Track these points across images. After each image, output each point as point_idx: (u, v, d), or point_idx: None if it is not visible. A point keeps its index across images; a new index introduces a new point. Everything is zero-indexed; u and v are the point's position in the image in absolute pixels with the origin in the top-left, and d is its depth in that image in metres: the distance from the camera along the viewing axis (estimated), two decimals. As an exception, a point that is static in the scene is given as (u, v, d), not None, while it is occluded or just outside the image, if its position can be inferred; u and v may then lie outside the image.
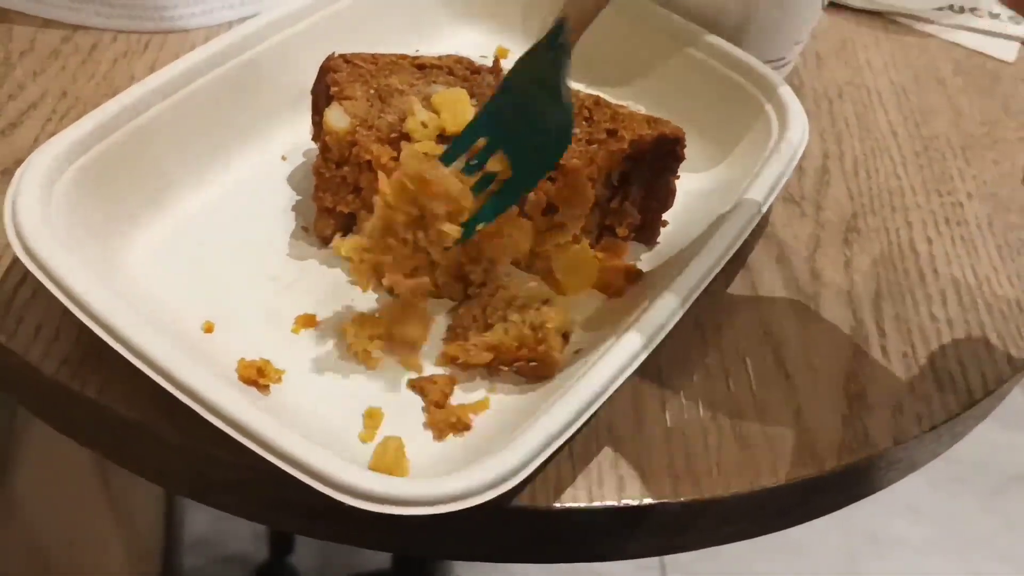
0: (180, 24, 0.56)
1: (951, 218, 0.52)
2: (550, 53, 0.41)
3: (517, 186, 0.41)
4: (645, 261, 0.47)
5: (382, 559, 1.19)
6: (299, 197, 0.47)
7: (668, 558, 1.34)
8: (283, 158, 0.49)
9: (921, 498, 1.44)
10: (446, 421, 0.38)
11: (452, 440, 0.38)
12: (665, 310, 0.39)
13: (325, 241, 0.45)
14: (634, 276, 0.45)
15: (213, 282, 0.43)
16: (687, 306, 0.40)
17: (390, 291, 0.43)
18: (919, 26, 0.66)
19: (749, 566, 1.34)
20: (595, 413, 0.37)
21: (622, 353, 0.38)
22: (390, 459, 0.36)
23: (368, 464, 0.36)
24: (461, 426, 0.38)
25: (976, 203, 0.53)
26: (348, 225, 0.45)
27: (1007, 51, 0.65)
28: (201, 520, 1.30)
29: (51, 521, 0.86)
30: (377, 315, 0.42)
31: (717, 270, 0.42)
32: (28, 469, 0.80)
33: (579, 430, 0.37)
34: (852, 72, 0.61)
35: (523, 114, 0.41)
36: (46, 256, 0.37)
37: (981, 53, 0.64)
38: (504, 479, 0.34)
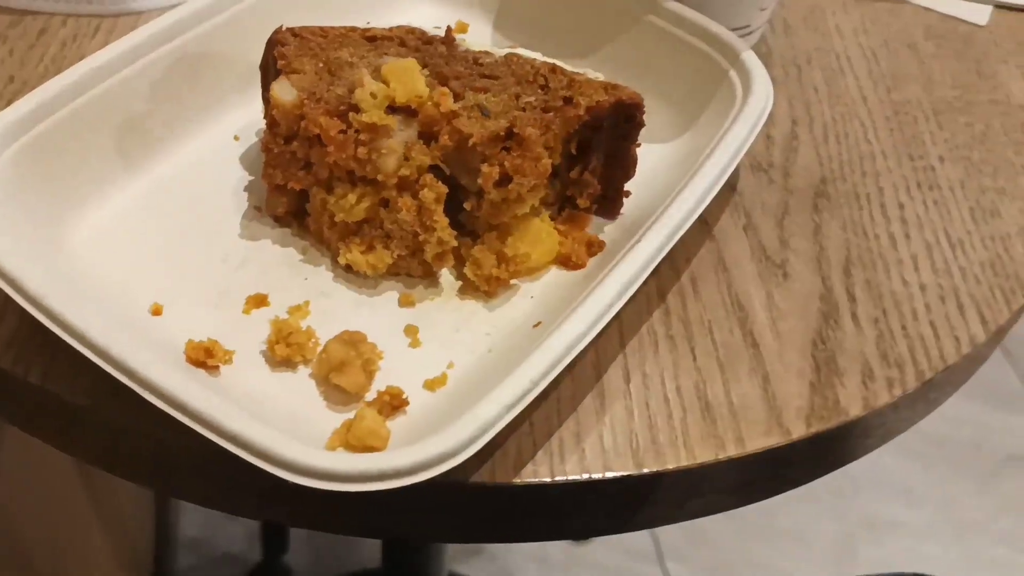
0: (131, 6, 0.54)
1: (923, 182, 0.51)
2: None
3: None
4: (608, 233, 0.45)
5: (373, 558, 1.18)
6: (251, 177, 0.46)
7: (664, 545, 1.33)
8: (235, 138, 0.48)
9: (916, 482, 1.43)
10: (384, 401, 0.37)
11: (405, 417, 0.37)
12: (624, 277, 0.38)
13: (278, 220, 0.44)
14: (596, 247, 0.44)
15: (162, 264, 0.42)
16: (646, 274, 0.39)
17: (347, 269, 0.42)
18: (891, -7, 0.65)
19: (745, 552, 1.34)
20: (555, 386, 0.36)
21: (579, 323, 0.36)
22: (368, 427, 0.35)
23: (346, 436, 0.35)
24: (398, 403, 0.37)
25: (948, 166, 0.52)
26: (300, 203, 0.44)
27: (979, 14, 0.63)
28: (194, 521, 1.29)
29: (33, 525, 0.85)
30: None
31: (677, 236, 0.41)
32: (6, 472, 0.79)
33: (538, 403, 0.36)
34: (821, 38, 0.60)
35: None
36: (-16, 238, 0.36)
37: (953, 17, 0.63)
38: (454, 453, 0.33)
